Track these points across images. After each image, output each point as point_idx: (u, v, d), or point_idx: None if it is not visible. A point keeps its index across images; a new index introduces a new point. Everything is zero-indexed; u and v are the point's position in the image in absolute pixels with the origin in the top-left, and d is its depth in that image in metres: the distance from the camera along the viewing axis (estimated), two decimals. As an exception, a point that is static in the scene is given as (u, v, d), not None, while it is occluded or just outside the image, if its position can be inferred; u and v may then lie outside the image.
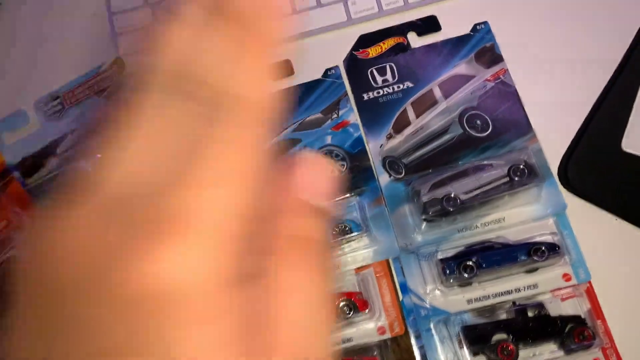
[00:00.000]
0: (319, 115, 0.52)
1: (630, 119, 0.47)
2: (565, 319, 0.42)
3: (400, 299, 0.46)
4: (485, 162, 0.45)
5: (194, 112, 0.16)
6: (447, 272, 0.43)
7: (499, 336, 0.42)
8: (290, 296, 0.16)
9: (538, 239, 0.44)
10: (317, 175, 0.18)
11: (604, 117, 0.48)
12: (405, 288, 0.46)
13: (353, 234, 0.45)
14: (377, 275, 0.47)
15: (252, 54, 0.17)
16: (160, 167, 0.15)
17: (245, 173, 0.16)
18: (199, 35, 0.17)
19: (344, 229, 0.45)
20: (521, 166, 0.44)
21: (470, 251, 0.44)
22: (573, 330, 0.41)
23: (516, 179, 0.44)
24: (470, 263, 0.43)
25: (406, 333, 0.45)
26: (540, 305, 0.42)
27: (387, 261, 0.47)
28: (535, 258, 0.42)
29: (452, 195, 0.44)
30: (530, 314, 0.42)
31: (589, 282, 0.44)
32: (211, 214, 0.15)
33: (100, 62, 0.55)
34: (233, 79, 0.16)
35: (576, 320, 0.42)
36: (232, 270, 0.15)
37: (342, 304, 0.44)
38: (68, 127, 0.54)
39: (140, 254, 0.14)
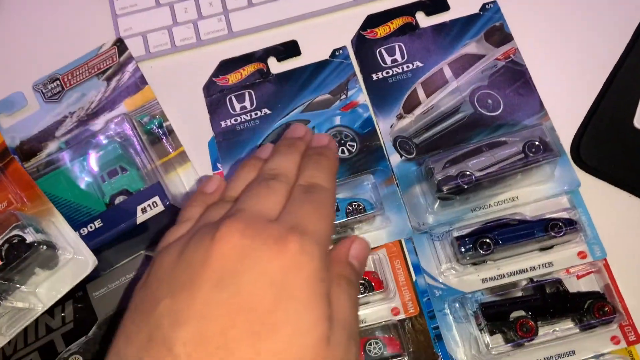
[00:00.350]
0: (328, 95, 0.51)
1: (642, 96, 0.47)
2: (584, 295, 0.41)
3: (414, 279, 0.45)
4: (499, 139, 0.45)
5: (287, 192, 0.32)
6: (463, 249, 0.43)
7: (517, 313, 0.41)
8: (342, 304, 0.29)
9: (554, 216, 0.43)
10: (357, 249, 0.33)
11: (616, 95, 0.48)
12: (418, 268, 0.46)
13: (367, 213, 0.44)
14: (390, 255, 0.46)
15: (325, 167, 0.34)
16: None
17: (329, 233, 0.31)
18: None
19: (357, 208, 0.45)
20: (536, 142, 0.44)
21: (486, 228, 0.43)
22: (593, 306, 0.40)
23: (531, 155, 0.43)
24: (487, 240, 0.42)
25: (421, 314, 0.44)
26: (558, 282, 0.42)
27: (400, 242, 0.46)
28: (552, 233, 0.42)
29: (467, 172, 0.44)
30: (548, 290, 0.41)
31: (605, 260, 0.44)
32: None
33: (101, 42, 0.54)
34: (319, 178, 0.33)
35: (595, 295, 0.41)
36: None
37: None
38: (67, 110, 0.52)
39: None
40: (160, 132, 0.51)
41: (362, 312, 0.45)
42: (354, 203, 0.45)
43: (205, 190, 0.37)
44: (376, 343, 0.42)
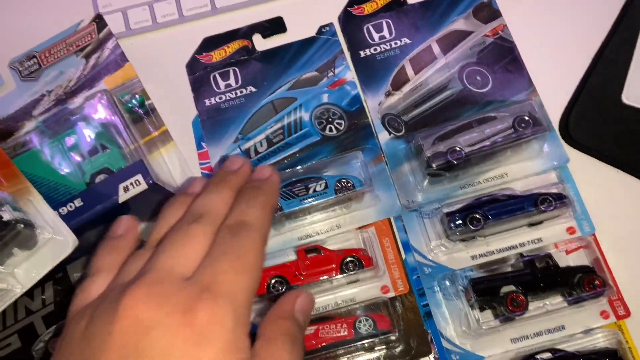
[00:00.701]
0: (315, 73, 0.50)
1: (630, 71, 0.47)
2: (574, 269, 0.41)
3: (403, 257, 0.45)
4: (488, 115, 0.44)
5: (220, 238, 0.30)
6: (453, 225, 0.42)
7: (507, 288, 0.41)
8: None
9: (543, 191, 0.43)
10: (303, 303, 0.32)
11: (604, 70, 0.47)
12: (407, 246, 0.45)
13: (356, 189, 0.44)
14: (379, 234, 0.45)
15: (260, 203, 0.32)
16: None
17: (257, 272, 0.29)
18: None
19: (346, 185, 0.44)
20: (526, 117, 0.43)
21: (476, 204, 0.43)
22: (583, 279, 0.40)
23: (521, 130, 0.43)
24: (477, 215, 0.42)
25: (410, 291, 0.44)
26: (548, 256, 0.41)
27: (389, 220, 0.46)
28: (542, 208, 0.41)
29: (457, 148, 0.43)
30: (538, 265, 0.41)
31: (594, 235, 0.44)
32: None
33: (79, 19, 0.52)
34: (250, 215, 0.31)
35: (585, 269, 0.41)
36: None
37: (347, 259, 0.42)
38: (45, 88, 0.50)
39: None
40: (142, 110, 0.50)
41: (351, 290, 0.44)
42: (343, 180, 0.44)
43: (114, 234, 0.34)
44: (366, 320, 0.41)
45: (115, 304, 0.26)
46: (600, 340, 0.41)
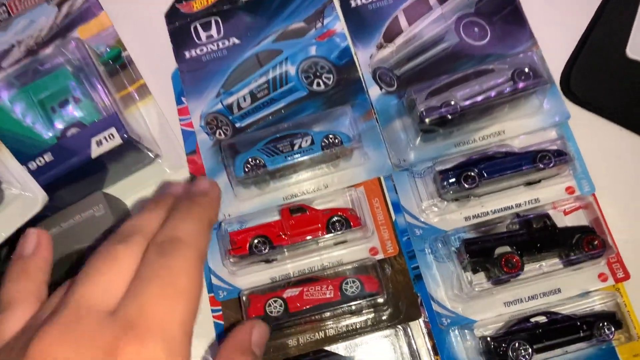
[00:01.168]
0: (302, 24, 0.47)
1: (635, 23, 0.44)
2: (573, 229, 0.39)
3: (393, 218, 0.43)
4: (486, 67, 0.42)
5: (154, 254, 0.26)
6: (445, 184, 0.40)
7: (502, 249, 0.39)
8: None
9: (542, 147, 0.41)
10: (258, 335, 0.30)
11: (608, 23, 0.45)
12: (398, 207, 0.43)
13: (344, 146, 0.41)
14: (369, 193, 0.43)
15: (195, 217, 0.28)
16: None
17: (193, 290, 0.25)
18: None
19: (334, 141, 0.41)
20: (526, 69, 0.41)
21: (471, 161, 0.41)
22: (582, 240, 0.38)
23: (521, 83, 0.40)
24: (472, 173, 0.39)
25: (400, 254, 0.42)
26: (546, 216, 0.39)
27: (379, 179, 0.43)
28: (541, 165, 0.39)
29: (452, 101, 0.41)
30: (535, 225, 0.39)
31: (594, 195, 0.42)
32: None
33: (51, -36, 0.48)
34: (182, 230, 0.27)
35: (584, 230, 0.39)
36: None
37: (334, 219, 0.40)
38: (15, 39, 0.47)
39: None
40: (118, 63, 0.46)
41: (338, 252, 0.42)
42: (330, 136, 0.41)
43: (21, 253, 0.29)
44: (353, 282, 0.39)
45: (23, 351, 0.22)
46: (597, 303, 0.40)
